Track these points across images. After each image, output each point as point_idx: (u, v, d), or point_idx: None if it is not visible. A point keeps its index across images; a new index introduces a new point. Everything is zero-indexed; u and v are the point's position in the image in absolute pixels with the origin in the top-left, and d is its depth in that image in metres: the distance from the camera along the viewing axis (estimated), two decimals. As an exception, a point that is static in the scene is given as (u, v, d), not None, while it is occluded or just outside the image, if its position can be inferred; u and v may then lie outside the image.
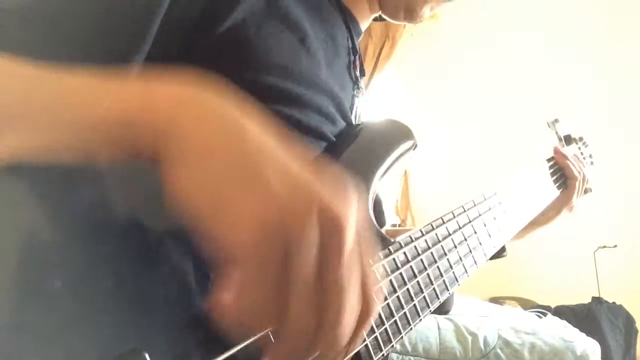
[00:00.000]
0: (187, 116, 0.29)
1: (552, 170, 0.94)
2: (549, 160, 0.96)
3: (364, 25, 0.69)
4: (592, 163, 1.11)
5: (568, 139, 1.05)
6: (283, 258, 0.26)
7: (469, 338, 0.98)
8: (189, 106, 0.29)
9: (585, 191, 1.04)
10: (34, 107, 0.29)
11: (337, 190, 0.29)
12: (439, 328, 0.98)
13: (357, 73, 0.66)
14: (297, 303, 0.27)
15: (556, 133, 1.05)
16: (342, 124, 0.58)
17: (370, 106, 2.95)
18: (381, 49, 3.09)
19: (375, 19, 0.73)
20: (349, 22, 0.63)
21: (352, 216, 0.29)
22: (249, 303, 0.26)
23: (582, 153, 1.07)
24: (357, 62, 0.65)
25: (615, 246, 2.48)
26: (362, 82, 0.68)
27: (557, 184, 0.93)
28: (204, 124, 0.29)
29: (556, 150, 0.97)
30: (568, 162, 0.95)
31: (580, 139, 1.09)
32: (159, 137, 0.28)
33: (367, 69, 3.06)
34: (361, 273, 0.30)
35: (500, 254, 0.84)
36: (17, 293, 0.29)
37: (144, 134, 0.29)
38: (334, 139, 0.55)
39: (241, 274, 0.26)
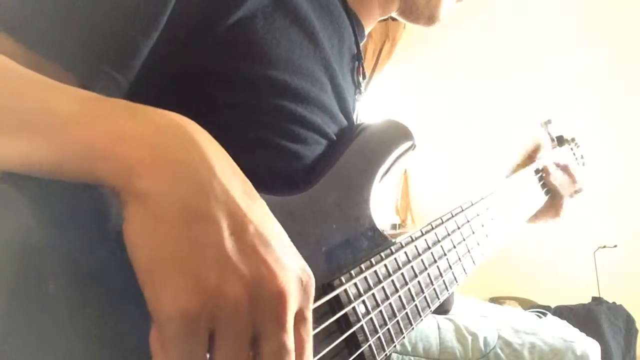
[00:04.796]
0: (154, 170, 0.27)
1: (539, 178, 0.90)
2: (536, 172, 0.90)
3: (368, 29, 0.69)
4: (583, 164, 1.10)
5: (560, 140, 1.03)
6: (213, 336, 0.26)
7: (469, 338, 0.97)
8: (158, 156, 0.27)
9: (576, 191, 1.02)
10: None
11: (281, 253, 0.29)
12: (439, 328, 0.98)
13: (360, 77, 0.66)
14: None
15: (548, 134, 1.03)
16: (344, 123, 0.58)
17: (370, 106, 2.95)
18: (381, 49, 3.09)
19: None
20: (356, 26, 0.63)
21: (294, 290, 0.28)
22: None
23: (574, 154, 1.06)
24: (361, 67, 0.65)
25: (615, 246, 2.48)
26: (363, 85, 0.68)
27: (544, 190, 0.90)
28: (170, 183, 0.27)
29: (545, 170, 0.91)
30: (555, 184, 0.90)
31: (573, 139, 1.08)
32: (119, 181, 0.27)
33: (367, 69, 3.06)
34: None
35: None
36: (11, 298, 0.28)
37: (104, 174, 0.27)
38: (335, 139, 0.55)
39: (164, 344, 0.25)
